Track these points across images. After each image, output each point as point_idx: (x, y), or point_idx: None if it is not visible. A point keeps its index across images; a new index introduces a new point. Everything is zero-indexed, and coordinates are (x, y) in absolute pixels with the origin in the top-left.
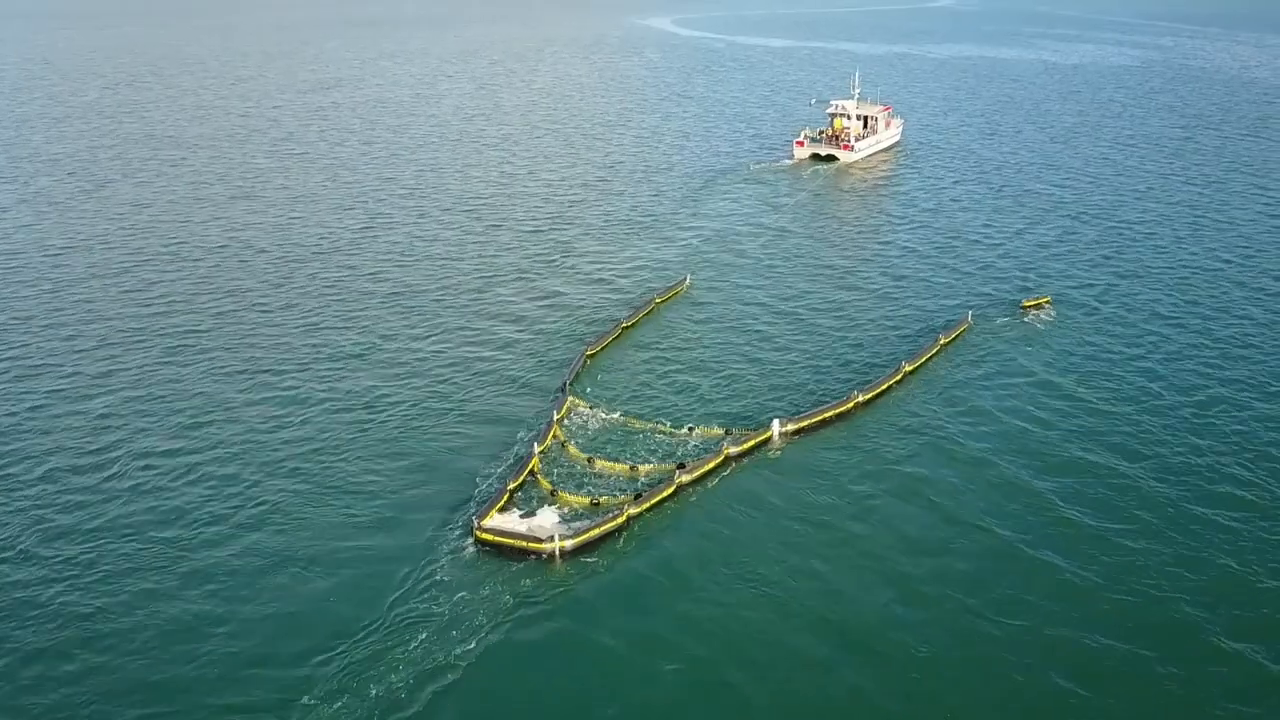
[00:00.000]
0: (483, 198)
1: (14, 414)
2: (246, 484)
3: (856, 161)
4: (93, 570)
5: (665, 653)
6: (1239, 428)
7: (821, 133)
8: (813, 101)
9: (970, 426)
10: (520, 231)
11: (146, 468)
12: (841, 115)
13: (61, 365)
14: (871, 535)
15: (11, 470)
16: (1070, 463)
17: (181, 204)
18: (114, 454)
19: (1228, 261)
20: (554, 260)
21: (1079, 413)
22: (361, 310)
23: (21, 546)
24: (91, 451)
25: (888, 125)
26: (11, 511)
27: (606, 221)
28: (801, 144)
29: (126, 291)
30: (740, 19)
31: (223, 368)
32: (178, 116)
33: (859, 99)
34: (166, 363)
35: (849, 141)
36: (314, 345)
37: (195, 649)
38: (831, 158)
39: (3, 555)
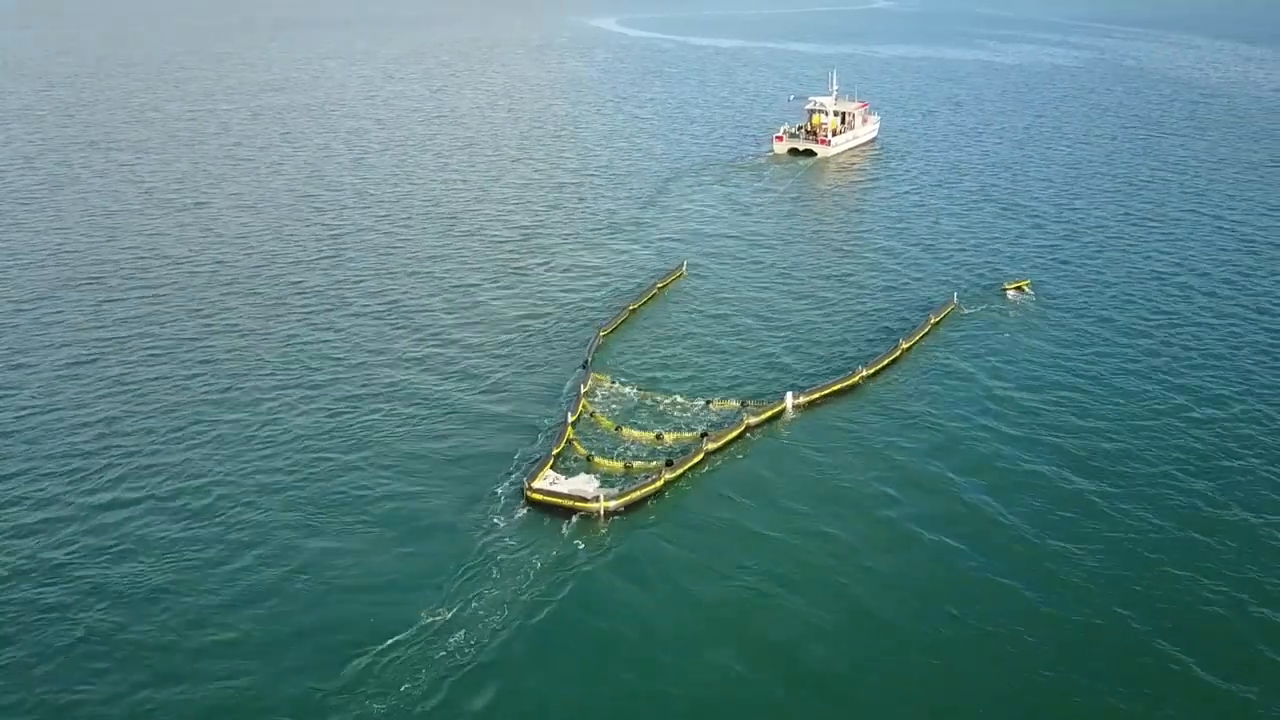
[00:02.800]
0: (454, 204)
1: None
2: (298, 475)
3: (834, 156)
4: (142, 577)
5: (704, 603)
6: (1187, 379)
7: (800, 128)
8: (791, 98)
9: (964, 396)
10: (500, 235)
11: (178, 476)
12: (819, 111)
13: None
14: (885, 498)
15: (35, 490)
16: (1050, 422)
17: (140, 212)
18: (145, 467)
19: (1186, 252)
20: (545, 257)
21: (1059, 381)
22: (360, 313)
23: (55, 554)
24: (115, 466)
25: (864, 122)
26: (44, 522)
27: (588, 220)
28: (781, 139)
29: (100, 305)
30: (684, 20)
31: (250, 366)
32: (124, 119)
33: (836, 96)
34: (181, 374)
35: (826, 137)
36: (326, 346)
37: (289, 614)
38: (810, 152)
39: (29, 570)
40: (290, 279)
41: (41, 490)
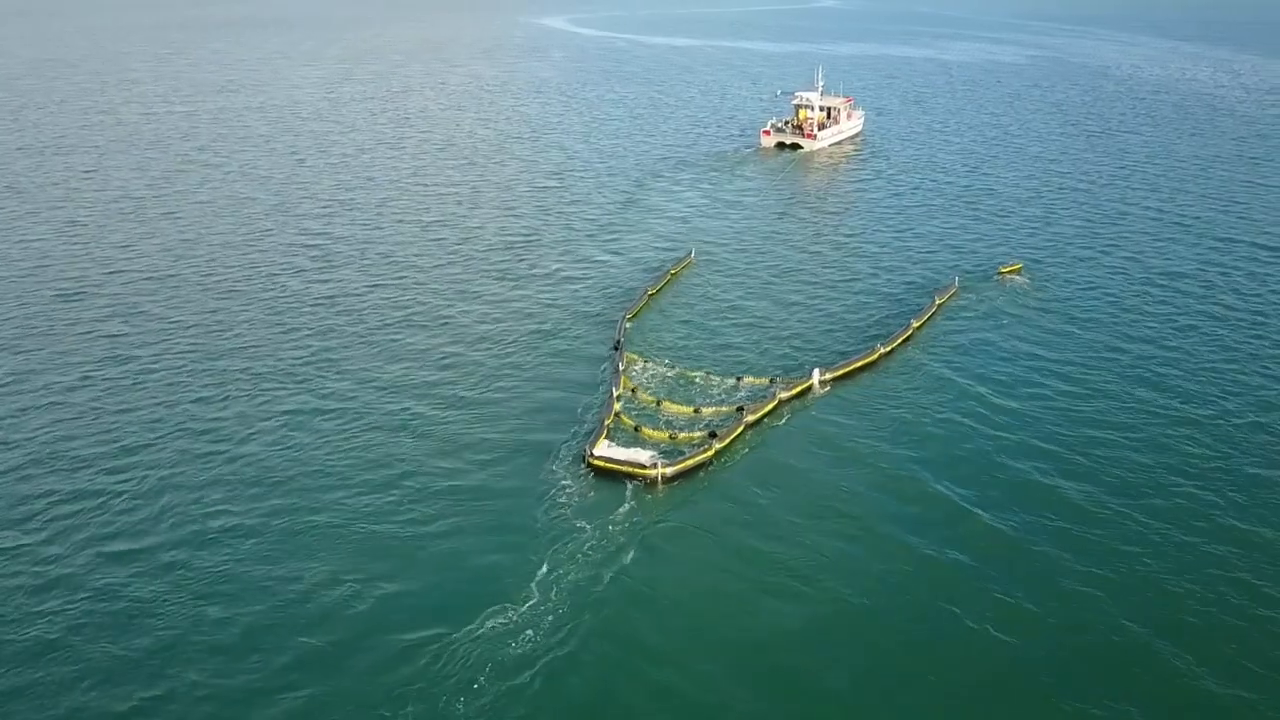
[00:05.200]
0: (441, 209)
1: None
2: (372, 455)
3: (819, 150)
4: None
5: (761, 565)
6: (1165, 341)
7: (787, 122)
8: (778, 93)
9: (972, 369)
10: (497, 239)
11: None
12: (805, 106)
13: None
14: (912, 466)
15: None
16: (1044, 389)
17: (107, 221)
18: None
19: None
20: (549, 255)
21: (1054, 353)
22: (367, 317)
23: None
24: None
25: (849, 116)
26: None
27: (583, 217)
28: (768, 133)
29: (122, 314)
30: (633, 19)
31: (282, 367)
32: (77, 122)
33: (822, 91)
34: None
35: (812, 131)
36: (366, 346)
37: (379, 594)
38: (796, 146)
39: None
40: (289, 287)
41: (78, 518)
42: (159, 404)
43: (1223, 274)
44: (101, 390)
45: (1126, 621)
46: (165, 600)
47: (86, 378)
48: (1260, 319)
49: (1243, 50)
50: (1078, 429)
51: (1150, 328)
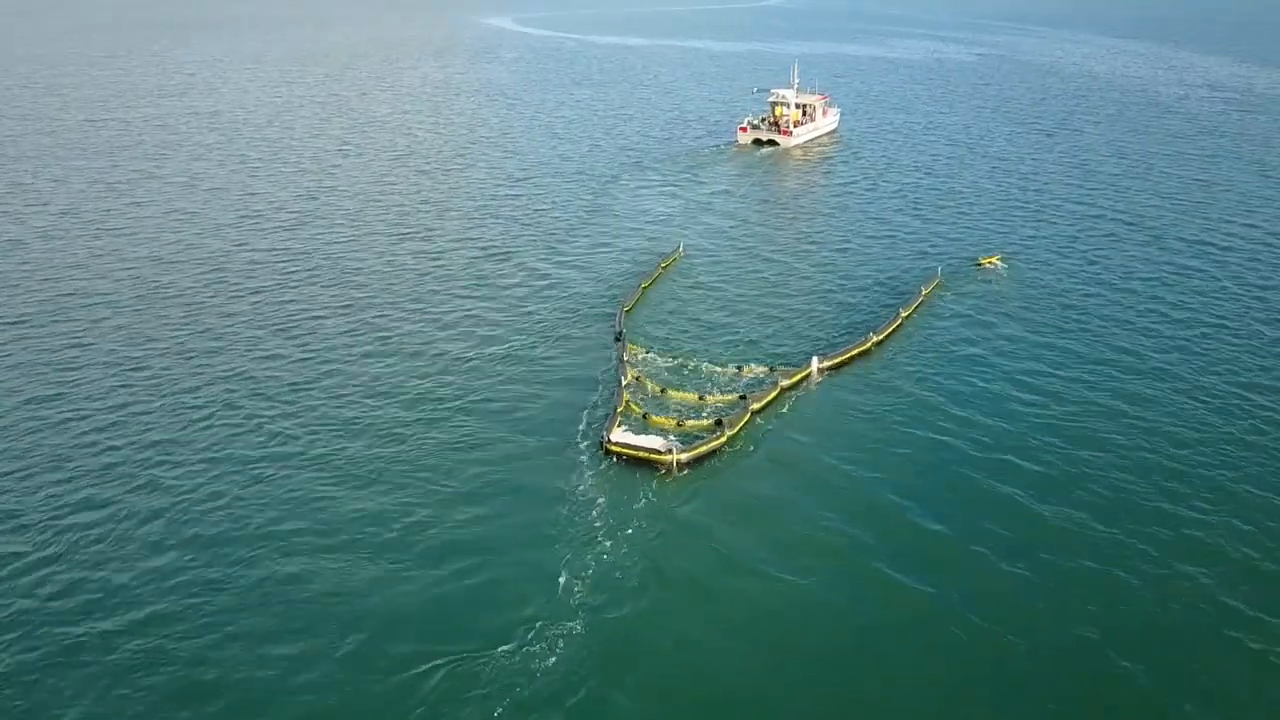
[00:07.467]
0: (416, 218)
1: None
2: (389, 454)
3: (795, 146)
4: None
5: (779, 546)
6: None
7: (763, 119)
8: (755, 90)
9: (958, 353)
10: (474, 242)
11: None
12: (781, 103)
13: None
14: (909, 450)
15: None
16: (1022, 364)
17: (55, 237)
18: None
19: (1126, 224)
20: (535, 254)
21: (1031, 333)
22: (357, 330)
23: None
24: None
25: (825, 114)
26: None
27: (562, 218)
28: (745, 130)
29: (80, 343)
30: (582, 19)
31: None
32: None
33: (798, 88)
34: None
35: (788, 128)
36: (343, 351)
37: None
38: (772, 142)
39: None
40: (265, 305)
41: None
42: (134, 433)
43: (1177, 258)
44: (65, 422)
45: (1107, 640)
46: (165, 629)
47: (44, 410)
48: (1209, 310)
49: (1181, 48)
50: (1046, 397)
51: (1117, 307)
